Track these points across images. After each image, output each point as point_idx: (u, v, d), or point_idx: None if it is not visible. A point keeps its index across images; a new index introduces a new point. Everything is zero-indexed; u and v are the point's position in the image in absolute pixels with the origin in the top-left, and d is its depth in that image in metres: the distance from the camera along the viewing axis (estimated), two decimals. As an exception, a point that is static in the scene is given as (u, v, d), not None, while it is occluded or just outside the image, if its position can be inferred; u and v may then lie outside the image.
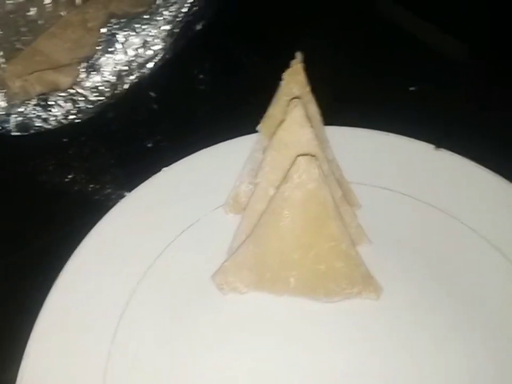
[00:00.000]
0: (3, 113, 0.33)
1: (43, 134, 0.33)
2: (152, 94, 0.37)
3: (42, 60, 0.37)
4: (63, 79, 0.35)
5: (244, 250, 0.26)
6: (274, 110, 0.29)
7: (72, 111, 0.33)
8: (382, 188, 0.31)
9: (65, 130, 0.34)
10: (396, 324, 0.25)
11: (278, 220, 0.25)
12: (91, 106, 0.33)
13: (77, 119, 0.33)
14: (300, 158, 0.25)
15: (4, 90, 0.34)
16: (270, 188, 0.27)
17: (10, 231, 0.31)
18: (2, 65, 0.35)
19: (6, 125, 0.33)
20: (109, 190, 0.32)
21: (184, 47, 0.35)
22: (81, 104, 0.33)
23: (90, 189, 0.33)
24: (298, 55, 0.28)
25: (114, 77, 0.33)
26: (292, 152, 0.26)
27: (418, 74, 0.38)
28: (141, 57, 0.32)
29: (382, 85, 0.37)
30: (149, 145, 0.34)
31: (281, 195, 0.25)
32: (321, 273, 0.25)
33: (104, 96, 0.33)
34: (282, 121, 0.27)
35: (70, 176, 0.34)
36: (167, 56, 0.34)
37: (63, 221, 0.31)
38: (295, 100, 0.27)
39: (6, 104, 0.33)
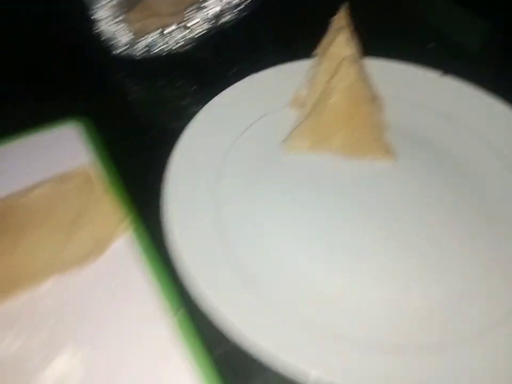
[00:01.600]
0: (129, 44, 0.47)
1: (155, 60, 0.47)
2: (236, 35, 0.50)
3: (152, 11, 0.51)
4: (170, 21, 0.48)
5: (304, 124, 0.39)
6: (326, 40, 0.42)
7: (175, 44, 0.47)
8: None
9: (172, 57, 0.47)
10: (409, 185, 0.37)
11: (328, 102, 0.38)
12: (189, 41, 0.46)
13: (180, 49, 0.46)
14: (344, 61, 0.38)
15: (128, 30, 0.48)
16: (322, 85, 0.39)
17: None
18: (126, 15, 0.49)
19: (132, 52, 0.47)
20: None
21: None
22: (182, 39, 0.47)
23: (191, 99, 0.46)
24: (345, 4, 0.41)
25: (211, 19, 0.46)
26: (338, 61, 0.39)
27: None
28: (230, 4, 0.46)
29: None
30: (233, 71, 0.47)
31: (330, 85, 0.38)
32: (356, 138, 0.38)
33: (200, 33, 0.47)
34: (332, 41, 0.40)
35: (178, 87, 0.47)
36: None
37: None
38: (342, 30, 0.40)
39: (131, 37, 0.47)
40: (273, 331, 0.29)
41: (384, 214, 0.36)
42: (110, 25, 0.47)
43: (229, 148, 0.39)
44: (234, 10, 0.47)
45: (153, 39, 0.47)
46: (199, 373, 0.27)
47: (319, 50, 0.43)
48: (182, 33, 0.47)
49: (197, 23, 0.47)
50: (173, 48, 0.47)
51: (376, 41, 0.45)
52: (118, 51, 0.47)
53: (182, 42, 0.47)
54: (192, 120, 0.40)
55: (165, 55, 0.47)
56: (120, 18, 0.47)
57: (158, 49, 0.47)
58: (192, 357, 0.28)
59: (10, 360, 0.28)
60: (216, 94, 0.43)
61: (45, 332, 0.29)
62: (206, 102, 0.42)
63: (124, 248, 0.33)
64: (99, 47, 0.47)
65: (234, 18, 0.47)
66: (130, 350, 0.28)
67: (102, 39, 0.47)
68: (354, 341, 0.29)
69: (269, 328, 0.29)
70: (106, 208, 0.34)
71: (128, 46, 0.47)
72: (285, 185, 0.38)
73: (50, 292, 0.31)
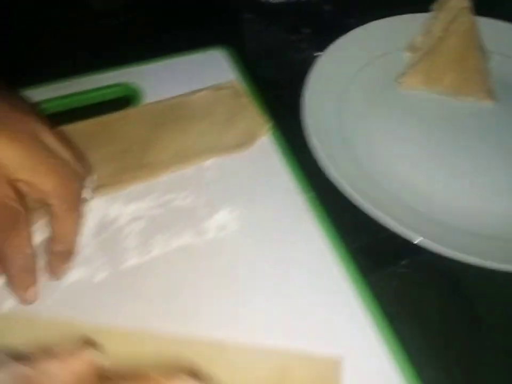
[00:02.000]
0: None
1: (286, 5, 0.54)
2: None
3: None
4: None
5: (419, 64, 0.45)
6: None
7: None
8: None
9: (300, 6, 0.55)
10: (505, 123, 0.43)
11: (444, 43, 0.44)
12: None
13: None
14: (463, 9, 0.44)
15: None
16: (439, 32, 0.46)
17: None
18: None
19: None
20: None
21: None
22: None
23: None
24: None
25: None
26: (455, 12, 0.45)
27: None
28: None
29: None
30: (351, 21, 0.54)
31: (448, 30, 0.44)
32: (464, 79, 0.44)
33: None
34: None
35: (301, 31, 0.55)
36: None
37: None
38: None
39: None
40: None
41: (479, 143, 0.42)
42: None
43: (351, 78, 0.47)
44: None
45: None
46: (327, 240, 0.35)
47: (436, 4, 0.49)
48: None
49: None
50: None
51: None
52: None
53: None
54: (325, 51, 0.48)
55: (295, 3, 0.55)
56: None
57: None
58: (320, 226, 0.36)
59: (185, 209, 0.37)
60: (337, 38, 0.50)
61: (208, 194, 0.38)
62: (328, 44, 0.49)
63: (267, 144, 0.41)
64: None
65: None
66: (270, 214, 0.37)
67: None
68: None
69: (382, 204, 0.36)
70: (252, 113, 0.43)
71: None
72: (396, 112, 0.45)
73: (212, 167, 0.40)
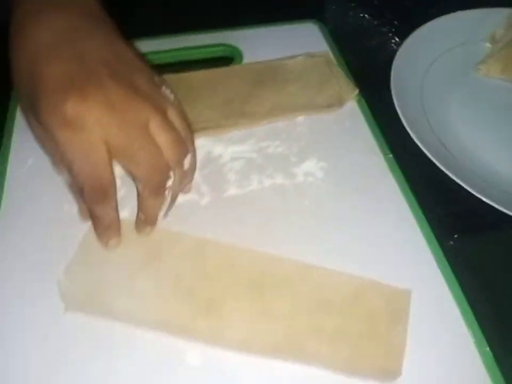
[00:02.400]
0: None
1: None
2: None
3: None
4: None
5: (498, 53, 0.49)
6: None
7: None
8: None
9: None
10: None
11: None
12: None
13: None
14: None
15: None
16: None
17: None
18: None
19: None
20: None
21: None
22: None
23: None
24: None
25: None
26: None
27: None
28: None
29: None
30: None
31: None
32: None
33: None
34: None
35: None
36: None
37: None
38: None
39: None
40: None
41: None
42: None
43: (433, 60, 0.51)
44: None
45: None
46: (402, 196, 0.40)
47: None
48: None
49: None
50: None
51: None
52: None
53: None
54: (410, 35, 0.52)
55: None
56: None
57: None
58: (397, 184, 0.41)
59: (277, 155, 0.43)
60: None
61: (298, 145, 0.43)
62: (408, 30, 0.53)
63: (353, 109, 0.46)
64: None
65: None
66: (352, 169, 0.42)
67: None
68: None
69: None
70: (342, 80, 0.47)
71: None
72: (473, 94, 0.49)
73: (302, 123, 0.45)
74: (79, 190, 0.33)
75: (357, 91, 0.47)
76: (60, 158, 0.34)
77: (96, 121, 0.32)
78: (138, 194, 0.35)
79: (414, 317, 0.34)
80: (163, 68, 0.46)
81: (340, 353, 0.32)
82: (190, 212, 0.39)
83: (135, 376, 0.31)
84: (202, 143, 0.43)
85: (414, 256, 0.37)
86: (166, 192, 0.35)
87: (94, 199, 0.33)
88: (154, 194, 0.35)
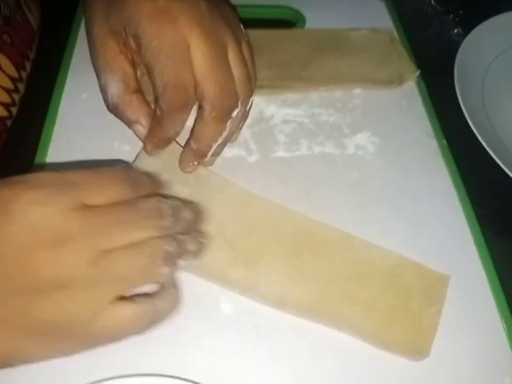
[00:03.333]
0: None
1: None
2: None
3: None
4: None
5: None
6: None
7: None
8: None
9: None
10: None
11: None
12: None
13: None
14: None
15: None
16: None
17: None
18: None
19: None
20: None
21: None
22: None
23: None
24: None
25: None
26: None
27: None
28: None
29: None
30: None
31: None
32: None
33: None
34: None
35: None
36: None
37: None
38: None
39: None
40: None
41: None
42: None
43: (497, 55, 0.49)
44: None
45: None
46: (450, 182, 0.39)
47: None
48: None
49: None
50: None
51: None
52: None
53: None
54: (478, 26, 0.50)
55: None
56: None
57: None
58: (446, 169, 0.40)
59: (329, 124, 0.42)
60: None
61: (352, 117, 0.43)
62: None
63: (412, 89, 0.45)
64: None
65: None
66: (404, 148, 0.41)
67: None
68: None
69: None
70: (404, 59, 0.46)
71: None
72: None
73: (359, 95, 0.44)
74: (158, 93, 0.32)
75: (418, 72, 0.45)
76: (138, 59, 0.33)
77: (187, 21, 0.31)
78: (201, 120, 0.33)
79: (449, 302, 0.33)
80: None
81: (371, 323, 0.32)
82: (237, 167, 0.39)
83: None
84: (256, 102, 0.42)
85: (455, 242, 0.36)
86: (228, 123, 0.34)
87: (175, 102, 0.31)
88: (219, 119, 0.33)
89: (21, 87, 0.42)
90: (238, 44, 0.34)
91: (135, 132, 0.36)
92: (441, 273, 0.34)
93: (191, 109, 0.33)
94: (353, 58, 0.46)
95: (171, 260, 0.26)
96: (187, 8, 0.32)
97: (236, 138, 0.39)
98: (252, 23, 0.49)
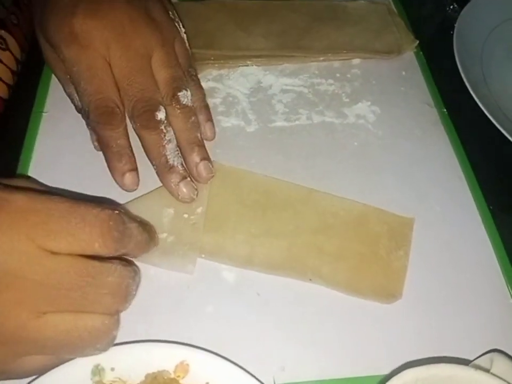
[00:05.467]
0: None
1: None
2: None
3: None
4: None
5: None
6: None
7: None
8: None
9: None
10: None
11: None
12: None
13: None
14: None
15: None
16: None
17: None
18: None
19: None
20: None
21: None
22: None
23: None
24: None
25: None
26: None
27: None
28: None
29: None
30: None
31: None
32: None
33: None
34: None
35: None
36: None
37: None
38: None
39: None
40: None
41: None
42: None
43: (495, 27, 0.49)
44: None
45: None
46: (451, 148, 0.39)
47: None
48: None
49: None
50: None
51: None
52: None
53: None
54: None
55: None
56: None
57: None
58: (448, 137, 0.40)
59: (329, 94, 0.41)
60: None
61: (352, 86, 0.42)
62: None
63: (411, 59, 0.45)
64: None
65: None
66: (404, 116, 0.41)
67: None
68: None
69: None
70: (402, 30, 0.46)
71: None
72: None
73: (358, 66, 0.44)
74: (86, 113, 0.32)
75: (416, 42, 0.45)
76: (68, 79, 0.33)
77: (103, 41, 0.32)
78: (138, 136, 0.33)
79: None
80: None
81: (340, 272, 0.32)
82: (236, 137, 0.38)
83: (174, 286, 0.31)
84: (253, 71, 0.42)
85: (458, 207, 0.36)
86: (162, 127, 0.32)
87: (100, 120, 0.32)
88: (145, 127, 0.32)
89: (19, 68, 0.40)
90: (168, 45, 0.34)
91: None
92: (405, 217, 0.34)
93: (121, 121, 0.32)
94: (351, 28, 0.45)
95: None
96: (103, 26, 0.32)
97: (213, 135, 0.37)
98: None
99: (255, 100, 0.40)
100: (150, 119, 0.32)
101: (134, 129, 0.33)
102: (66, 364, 0.25)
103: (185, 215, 0.33)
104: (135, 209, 0.32)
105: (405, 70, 0.44)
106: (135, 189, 0.33)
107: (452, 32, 0.46)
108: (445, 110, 0.41)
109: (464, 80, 0.42)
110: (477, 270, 0.33)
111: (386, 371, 0.29)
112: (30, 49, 0.41)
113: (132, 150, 0.33)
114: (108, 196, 0.33)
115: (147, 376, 0.25)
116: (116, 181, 0.33)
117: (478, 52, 0.47)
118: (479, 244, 0.34)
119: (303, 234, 0.33)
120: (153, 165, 0.33)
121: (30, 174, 0.34)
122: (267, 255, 0.32)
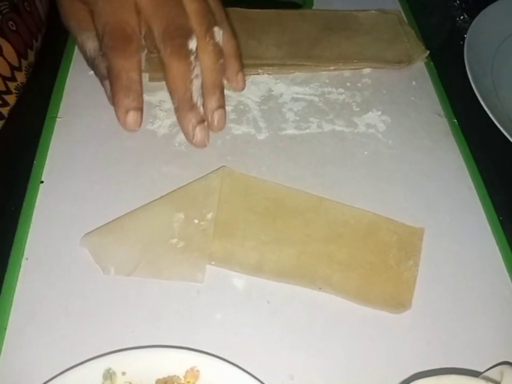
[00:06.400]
0: None
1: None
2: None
3: None
4: None
5: None
6: None
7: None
8: None
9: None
10: None
11: None
12: None
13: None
14: None
15: None
16: None
17: None
18: None
19: None
20: None
21: None
22: None
23: None
24: None
25: None
26: None
27: None
28: None
29: None
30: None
31: None
32: None
33: None
34: None
35: None
36: None
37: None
38: None
39: None
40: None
41: None
42: None
43: (506, 37, 0.49)
44: None
45: None
46: (461, 160, 0.39)
47: None
48: None
49: None
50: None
51: None
52: None
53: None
54: (485, 9, 0.50)
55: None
56: None
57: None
58: (458, 148, 0.40)
59: (339, 103, 0.42)
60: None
61: (362, 96, 0.42)
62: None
63: (421, 69, 0.45)
64: None
65: None
66: (414, 126, 0.41)
67: None
68: None
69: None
70: (413, 40, 0.46)
71: None
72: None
73: (368, 75, 0.44)
74: (100, 37, 0.30)
75: (427, 52, 0.45)
76: (84, 17, 0.32)
77: None
78: (163, 63, 0.31)
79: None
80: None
81: (350, 281, 0.32)
82: (246, 145, 0.38)
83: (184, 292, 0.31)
84: (264, 80, 0.42)
85: (468, 218, 0.36)
86: (192, 58, 0.31)
87: (114, 45, 0.30)
88: (176, 55, 0.30)
89: (19, 76, 0.40)
90: None
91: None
92: (415, 227, 0.34)
93: (136, 50, 0.31)
94: (362, 38, 0.45)
95: None
96: None
97: (243, 87, 0.37)
98: (260, 3, 0.49)
99: (266, 108, 0.41)
100: (182, 45, 0.30)
101: (161, 57, 0.30)
102: (78, 367, 0.25)
103: (196, 221, 0.33)
104: (145, 214, 0.32)
105: (415, 80, 0.44)
106: (136, 130, 0.31)
107: (462, 43, 0.47)
108: (455, 120, 0.41)
109: (475, 90, 0.42)
110: (487, 280, 0.33)
111: (395, 381, 0.28)
112: (43, 55, 0.42)
113: (142, 88, 0.31)
114: (118, 201, 0.34)
115: (157, 381, 0.25)
116: (117, 117, 0.31)
117: (489, 63, 0.48)
118: (489, 254, 0.34)
119: (313, 243, 0.33)
120: (173, 99, 0.31)
121: (43, 178, 0.34)
122: (277, 262, 0.32)
